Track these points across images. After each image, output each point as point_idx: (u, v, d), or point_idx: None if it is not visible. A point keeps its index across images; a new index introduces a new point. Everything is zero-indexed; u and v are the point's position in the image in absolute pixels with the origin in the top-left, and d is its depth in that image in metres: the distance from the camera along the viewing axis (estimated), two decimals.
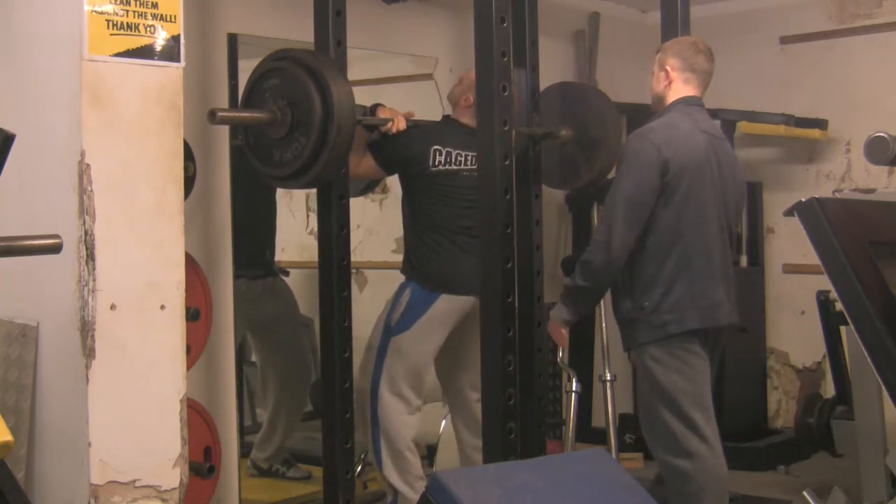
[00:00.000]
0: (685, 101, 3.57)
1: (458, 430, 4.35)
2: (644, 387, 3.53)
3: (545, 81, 4.38)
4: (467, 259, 4.00)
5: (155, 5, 2.98)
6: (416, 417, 4.18)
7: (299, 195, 5.62)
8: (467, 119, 4.11)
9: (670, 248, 3.45)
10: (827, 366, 4.88)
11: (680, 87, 3.58)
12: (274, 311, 4.99)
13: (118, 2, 2.91)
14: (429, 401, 4.36)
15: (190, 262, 3.33)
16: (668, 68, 3.59)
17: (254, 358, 5.27)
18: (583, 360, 5.53)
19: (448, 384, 4.39)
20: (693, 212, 3.46)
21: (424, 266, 4.11)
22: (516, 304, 3.54)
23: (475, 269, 3.67)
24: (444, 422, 4.80)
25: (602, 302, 4.55)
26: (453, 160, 4.09)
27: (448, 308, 4.09)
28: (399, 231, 4.35)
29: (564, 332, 3.63)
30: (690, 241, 3.47)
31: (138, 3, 2.95)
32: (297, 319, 5.24)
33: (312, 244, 4.18)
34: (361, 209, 5.27)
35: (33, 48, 3.04)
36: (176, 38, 3.03)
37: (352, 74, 3.79)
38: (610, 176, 4.26)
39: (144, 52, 2.97)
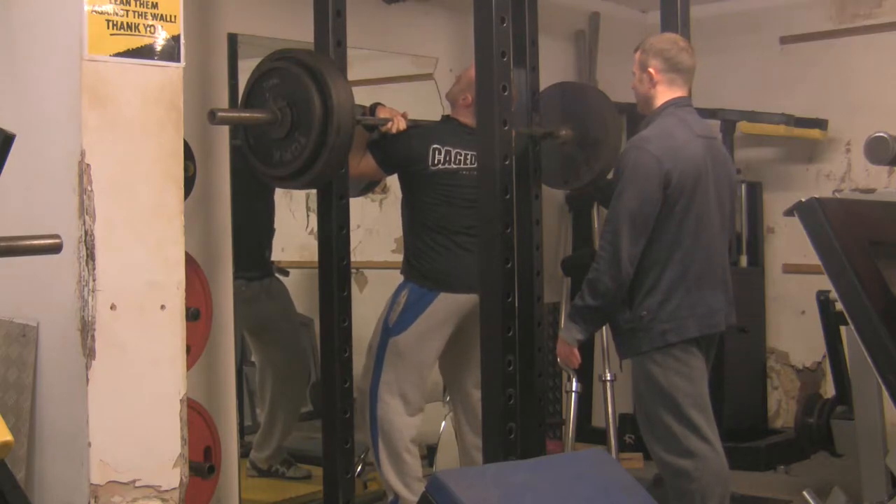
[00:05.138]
0: (675, 104, 3.54)
1: (461, 428, 4.35)
2: (643, 389, 3.52)
3: (545, 81, 4.38)
4: (467, 258, 4.00)
5: (155, 5, 2.98)
6: (418, 418, 4.18)
7: (299, 195, 5.62)
8: (466, 118, 4.11)
9: (670, 257, 3.44)
10: (827, 366, 4.88)
11: (666, 89, 3.54)
12: (270, 311, 4.98)
13: (118, 2, 2.91)
14: (429, 401, 4.36)
15: (190, 262, 3.33)
16: (652, 70, 3.54)
17: (253, 358, 5.27)
18: (583, 360, 5.51)
19: (452, 382, 4.40)
20: (693, 220, 3.45)
21: (423, 265, 4.11)
22: (516, 304, 3.54)
23: (475, 268, 3.67)
24: (444, 422, 4.80)
25: None
26: (453, 159, 4.09)
27: (447, 307, 4.09)
28: (399, 231, 4.35)
29: (577, 351, 3.57)
30: (690, 249, 3.45)
31: (138, 3, 2.95)
32: (295, 319, 5.24)
33: (312, 244, 4.18)
34: (361, 209, 5.27)
35: (33, 48, 3.04)
36: (176, 38, 3.03)
37: (352, 74, 3.79)
38: (609, 176, 4.27)
39: (144, 52, 2.97)
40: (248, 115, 3.61)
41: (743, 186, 5.57)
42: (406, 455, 4.12)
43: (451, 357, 4.29)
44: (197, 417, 3.59)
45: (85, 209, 2.85)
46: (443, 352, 4.22)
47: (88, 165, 2.85)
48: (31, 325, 3.04)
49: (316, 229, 3.96)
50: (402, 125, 4.01)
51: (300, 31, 3.92)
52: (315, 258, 3.84)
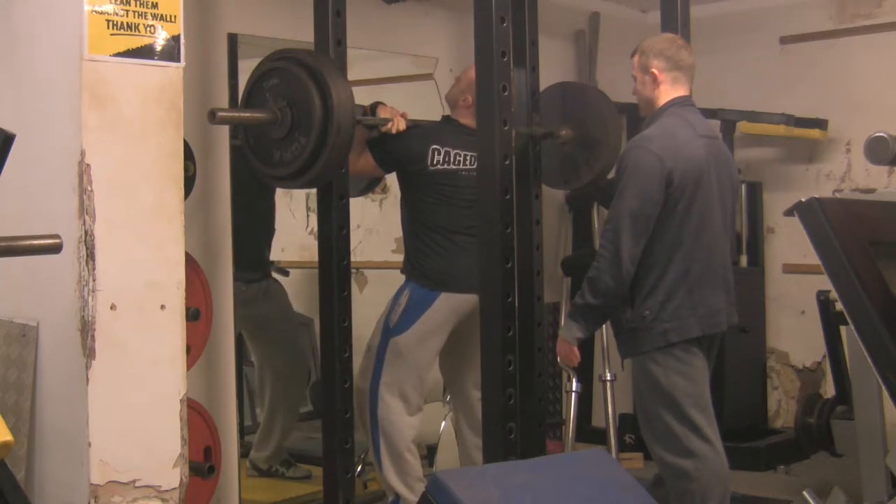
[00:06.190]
0: (678, 103, 3.54)
1: (461, 428, 4.35)
2: (643, 389, 3.52)
3: (545, 81, 4.38)
4: (466, 258, 3.99)
5: (155, 5, 2.98)
6: (418, 418, 4.18)
7: (299, 195, 5.62)
8: (467, 119, 4.11)
9: (671, 256, 3.43)
10: (827, 366, 4.87)
11: (669, 88, 3.54)
12: (268, 311, 4.98)
13: (118, 2, 2.91)
14: (429, 401, 4.36)
15: (190, 262, 3.33)
16: (655, 70, 3.54)
17: (253, 358, 5.27)
18: (583, 360, 5.51)
19: (451, 383, 4.40)
20: (695, 220, 3.45)
21: (423, 265, 4.11)
22: (516, 304, 3.54)
23: (474, 268, 3.67)
24: (443, 422, 4.80)
25: None
26: (452, 159, 4.10)
27: (448, 307, 4.09)
28: (399, 231, 4.35)
29: (577, 349, 3.57)
30: (691, 249, 3.45)
31: (138, 3, 2.95)
32: (292, 319, 5.23)
33: (312, 244, 4.18)
34: (361, 209, 5.27)
35: (33, 48, 3.04)
36: (176, 38, 3.03)
37: (352, 74, 3.79)
38: (610, 176, 4.27)
39: (144, 52, 2.97)
40: (248, 115, 3.61)
41: (743, 186, 5.57)
42: (407, 455, 4.12)
43: (451, 358, 4.29)
44: (197, 417, 3.59)
45: (85, 209, 2.85)
46: (443, 352, 4.23)
47: (88, 165, 2.85)
48: (31, 325, 3.04)
49: (316, 229, 3.96)
50: (402, 125, 4.01)
51: (300, 31, 3.92)
52: (315, 258, 3.84)
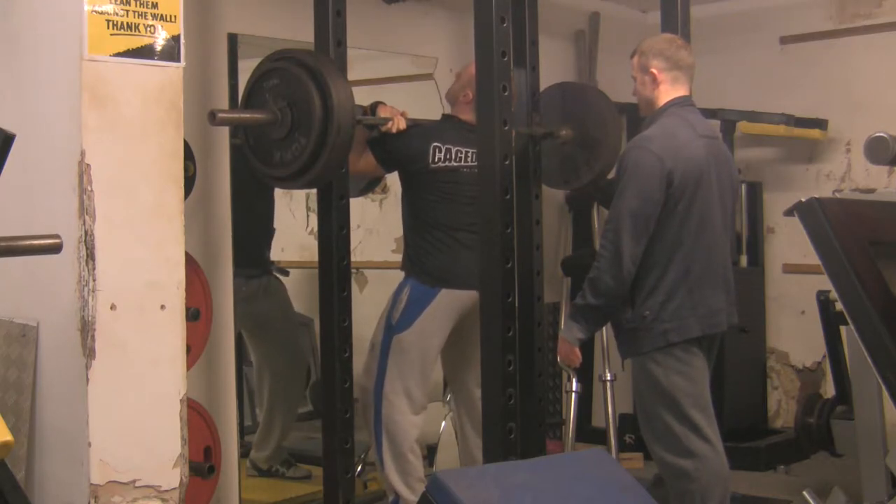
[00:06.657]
0: (678, 103, 3.54)
1: (464, 428, 4.34)
2: (643, 389, 3.52)
3: (545, 81, 4.37)
4: (468, 255, 4.00)
5: (155, 5, 2.98)
6: (421, 417, 4.17)
7: (299, 195, 5.62)
8: (467, 116, 4.11)
9: (672, 256, 3.43)
10: (827, 366, 4.88)
11: (669, 88, 3.54)
12: (267, 308, 4.98)
13: (118, 2, 2.91)
14: (429, 400, 4.35)
15: (190, 262, 3.33)
16: (654, 70, 3.54)
17: (252, 357, 5.27)
18: (583, 360, 5.51)
19: (453, 381, 4.40)
20: (695, 220, 3.45)
21: (424, 262, 4.11)
22: (516, 304, 3.54)
23: (476, 265, 3.67)
24: (444, 422, 4.80)
25: None
26: (453, 157, 4.10)
27: (449, 303, 4.09)
28: (399, 231, 4.35)
29: (578, 350, 3.58)
30: (692, 250, 3.45)
31: (138, 3, 2.95)
32: (292, 317, 5.23)
33: (312, 244, 4.18)
34: (361, 209, 5.27)
35: (33, 48, 3.04)
36: (176, 38, 3.03)
37: (352, 74, 3.79)
38: (610, 176, 4.27)
39: (144, 52, 2.97)
40: (248, 115, 3.61)
41: (743, 186, 5.57)
42: (410, 455, 4.12)
43: (453, 355, 4.29)
44: (197, 417, 3.59)
45: (85, 209, 2.85)
46: (444, 350, 4.22)
47: (88, 165, 2.85)
48: (31, 325, 3.04)
49: (316, 229, 3.96)
50: (402, 125, 4.01)
51: (300, 31, 3.92)
52: (315, 258, 3.84)
